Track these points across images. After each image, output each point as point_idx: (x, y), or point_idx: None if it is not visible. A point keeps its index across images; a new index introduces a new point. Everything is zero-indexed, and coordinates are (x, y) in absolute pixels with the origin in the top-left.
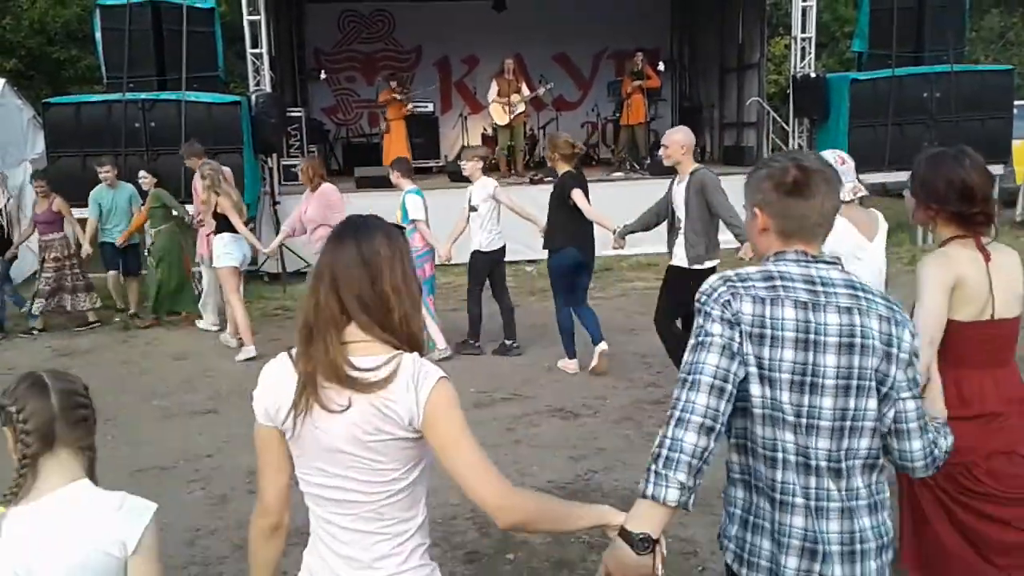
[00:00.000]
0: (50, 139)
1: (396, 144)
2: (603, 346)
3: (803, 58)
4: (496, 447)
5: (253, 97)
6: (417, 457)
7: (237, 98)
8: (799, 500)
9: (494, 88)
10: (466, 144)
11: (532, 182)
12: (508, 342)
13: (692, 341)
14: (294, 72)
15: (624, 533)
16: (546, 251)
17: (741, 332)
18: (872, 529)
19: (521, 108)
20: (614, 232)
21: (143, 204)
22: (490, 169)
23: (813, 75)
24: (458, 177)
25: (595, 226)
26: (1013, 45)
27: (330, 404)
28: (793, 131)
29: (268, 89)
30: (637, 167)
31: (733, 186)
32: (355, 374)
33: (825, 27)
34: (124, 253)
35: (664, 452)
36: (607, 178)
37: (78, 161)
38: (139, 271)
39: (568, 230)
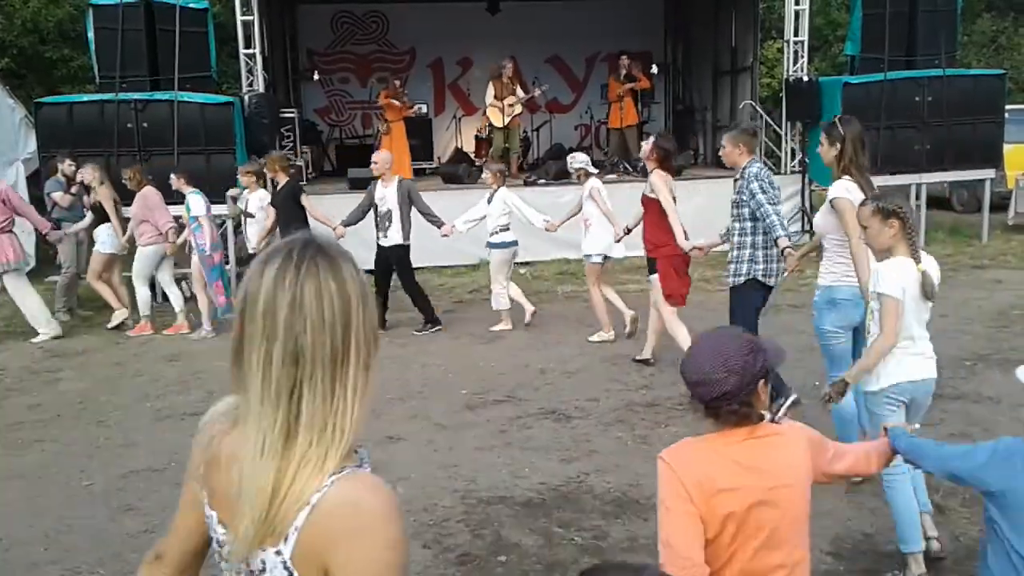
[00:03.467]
0: (42, 139)
1: (397, 145)
2: None
3: (796, 62)
4: (488, 449)
5: (246, 97)
6: None
7: (230, 99)
8: None
9: (491, 91)
10: (460, 146)
11: (526, 184)
12: None
13: (761, 191)
14: (287, 73)
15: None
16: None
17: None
18: None
19: (517, 110)
20: (334, 228)
21: None
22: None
23: (806, 79)
24: (451, 179)
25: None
26: (1005, 49)
27: None
28: (786, 134)
29: (261, 90)
30: (629, 169)
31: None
32: None
33: (818, 31)
34: None
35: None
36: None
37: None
38: None
39: (301, 226)
